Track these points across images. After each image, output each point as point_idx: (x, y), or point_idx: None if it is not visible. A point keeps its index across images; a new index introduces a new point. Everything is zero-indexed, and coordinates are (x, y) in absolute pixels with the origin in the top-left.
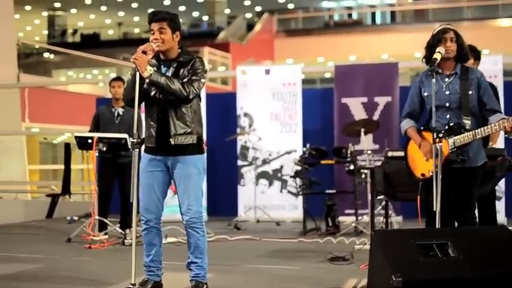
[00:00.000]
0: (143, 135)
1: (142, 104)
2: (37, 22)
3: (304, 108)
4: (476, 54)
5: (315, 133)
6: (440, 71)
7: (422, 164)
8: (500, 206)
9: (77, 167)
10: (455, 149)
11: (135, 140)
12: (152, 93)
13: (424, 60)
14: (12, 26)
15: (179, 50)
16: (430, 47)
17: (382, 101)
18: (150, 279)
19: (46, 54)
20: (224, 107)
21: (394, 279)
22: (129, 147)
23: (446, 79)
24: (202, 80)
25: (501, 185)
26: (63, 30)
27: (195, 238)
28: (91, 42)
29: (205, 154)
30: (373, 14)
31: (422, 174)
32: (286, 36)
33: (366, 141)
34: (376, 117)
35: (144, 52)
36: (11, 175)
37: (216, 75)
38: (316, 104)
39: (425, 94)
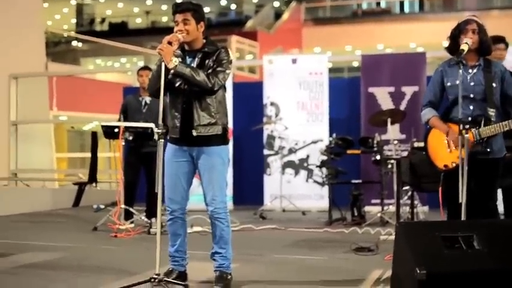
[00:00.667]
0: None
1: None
2: (65, 11)
3: (331, 98)
4: (505, 42)
5: (341, 123)
6: (463, 62)
7: (445, 155)
8: None
9: (104, 155)
10: (480, 141)
11: (160, 131)
12: (177, 84)
13: (447, 50)
14: (40, 15)
15: (204, 40)
16: (453, 38)
17: (409, 90)
18: (175, 269)
19: (74, 43)
20: (251, 96)
21: (418, 271)
22: (155, 137)
23: (470, 70)
24: (227, 71)
25: None
26: (92, 19)
27: (219, 228)
28: (119, 30)
29: (229, 145)
30: (402, 3)
31: (445, 166)
32: (314, 24)
33: (393, 131)
34: (403, 107)
35: (170, 43)
36: (38, 163)
37: (243, 64)
38: (343, 93)
39: (449, 84)
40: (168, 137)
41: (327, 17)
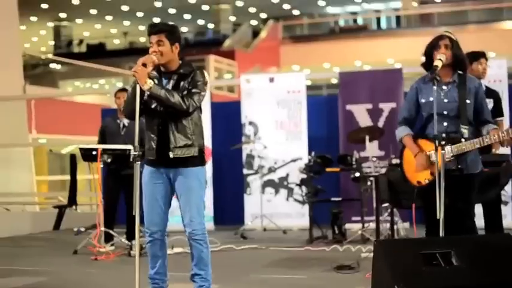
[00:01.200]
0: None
1: None
2: (43, 33)
3: (309, 116)
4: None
5: (320, 141)
6: (438, 78)
7: (418, 172)
8: (507, 210)
9: (85, 178)
10: (453, 158)
11: (136, 153)
12: (153, 106)
13: (423, 67)
14: (17, 38)
15: (180, 62)
16: (427, 54)
17: (387, 107)
18: None
19: (52, 65)
20: (229, 115)
21: None
22: (131, 159)
23: (444, 87)
24: (202, 93)
25: (508, 190)
26: (69, 41)
27: (198, 250)
28: (97, 52)
29: (209, 164)
30: (379, 19)
31: (418, 182)
32: (291, 42)
33: (371, 148)
34: (381, 123)
35: (144, 65)
36: (18, 187)
37: (221, 84)
38: (321, 111)
39: (423, 101)
40: (145, 159)
41: (305, 34)
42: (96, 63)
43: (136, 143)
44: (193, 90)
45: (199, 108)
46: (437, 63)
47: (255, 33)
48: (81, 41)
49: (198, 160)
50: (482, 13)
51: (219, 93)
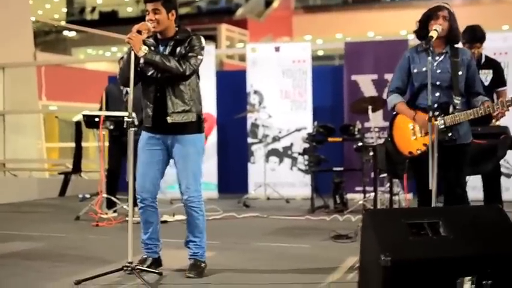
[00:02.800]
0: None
1: None
2: (56, 0)
3: (314, 86)
4: (480, 36)
5: (325, 110)
6: (431, 49)
7: (410, 142)
8: (510, 183)
9: (94, 145)
10: (445, 128)
11: (130, 119)
12: (149, 73)
13: (415, 35)
14: (28, 5)
15: (176, 29)
16: (423, 23)
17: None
18: (149, 257)
19: (65, 32)
20: (234, 84)
21: (383, 258)
22: (124, 126)
23: (437, 57)
24: (199, 57)
25: (511, 163)
26: (82, 8)
27: (193, 217)
28: (109, 19)
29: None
30: None
31: (410, 152)
32: (304, 12)
33: (376, 119)
34: (385, 94)
35: (139, 32)
36: (27, 153)
37: (226, 52)
38: (326, 81)
39: (415, 71)
40: (142, 126)
41: (317, 4)
42: (109, 31)
43: (130, 110)
44: (190, 54)
45: (197, 75)
46: (433, 33)
47: (268, 2)
48: (93, 9)
49: (196, 127)
50: None
51: (231, 62)
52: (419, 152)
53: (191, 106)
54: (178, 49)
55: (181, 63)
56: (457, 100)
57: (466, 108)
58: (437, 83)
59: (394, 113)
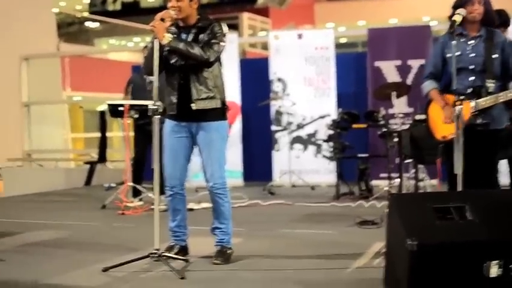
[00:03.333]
0: None
1: None
2: None
3: (338, 73)
4: (504, 20)
5: (348, 97)
6: (464, 32)
7: (444, 126)
8: None
9: (119, 134)
10: (477, 112)
11: (155, 107)
12: (172, 61)
13: (449, 19)
14: None
15: (198, 17)
16: (456, 7)
17: (415, 64)
18: (176, 244)
19: (88, 23)
20: (258, 72)
21: (409, 242)
22: (149, 113)
23: (472, 41)
24: (221, 43)
25: None
26: None
27: (218, 204)
28: (132, 10)
29: (238, 121)
30: None
31: (443, 137)
32: (326, 0)
33: (400, 105)
34: (409, 80)
35: (162, 19)
36: (52, 144)
37: (249, 40)
38: (350, 68)
39: (448, 55)
40: (166, 114)
41: None
42: (131, 21)
43: (155, 98)
44: (213, 41)
45: (220, 62)
46: (456, 18)
47: None
48: None
49: (220, 113)
50: None
51: (253, 50)
52: (452, 136)
53: (215, 93)
54: (201, 36)
55: (205, 50)
56: (491, 83)
57: (500, 92)
58: (471, 67)
59: (429, 98)
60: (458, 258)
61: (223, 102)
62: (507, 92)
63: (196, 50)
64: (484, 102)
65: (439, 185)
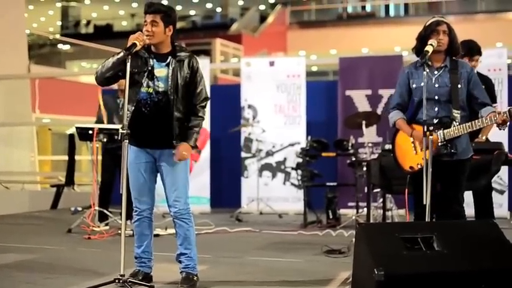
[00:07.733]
0: None
1: None
2: (51, 13)
3: (308, 101)
4: (471, 49)
5: (319, 125)
6: (429, 63)
7: (411, 157)
8: (503, 199)
9: (87, 158)
10: (444, 142)
11: (124, 131)
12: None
13: (414, 51)
14: (23, 18)
15: (172, 45)
16: (422, 38)
17: (386, 93)
18: (141, 271)
19: (60, 46)
20: (229, 98)
21: (376, 272)
22: (118, 138)
23: (436, 72)
24: (203, 82)
25: (504, 179)
26: (77, 21)
27: (183, 229)
28: (104, 33)
29: (207, 148)
30: (387, 6)
31: (411, 167)
32: (299, 28)
33: (369, 134)
34: (380, 109)
35: (134, 44)
36: (20, 166)
37: (221, 67)
38: (321, 96)
39: (414, 86)
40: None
41: (312, 20)
42: (103, 44)
43: (125, 121)
44: (200, 88)
45: None
46: (428, 48)
47: (263, 17)
48: (88, 22)
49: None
50: (491, 2)
51: (225, 76)
52: (419, 166)
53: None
54: (181, 73)
55: (200, 114)
56: (457, 114)
57: (467, 122)
58: (436, 97)
59: (396, 128)
60: None
61: None
62: (475, 122)
63: (200, 124)
64: (452, 132)
65: (408, 215)
